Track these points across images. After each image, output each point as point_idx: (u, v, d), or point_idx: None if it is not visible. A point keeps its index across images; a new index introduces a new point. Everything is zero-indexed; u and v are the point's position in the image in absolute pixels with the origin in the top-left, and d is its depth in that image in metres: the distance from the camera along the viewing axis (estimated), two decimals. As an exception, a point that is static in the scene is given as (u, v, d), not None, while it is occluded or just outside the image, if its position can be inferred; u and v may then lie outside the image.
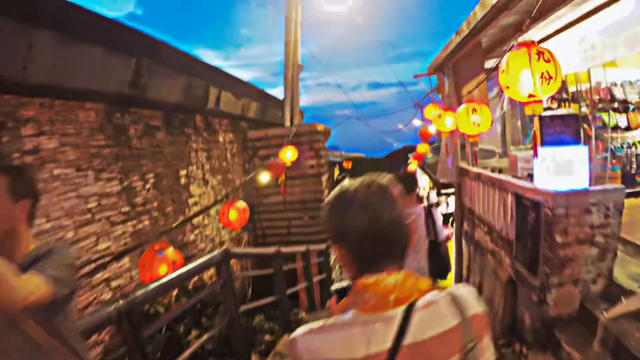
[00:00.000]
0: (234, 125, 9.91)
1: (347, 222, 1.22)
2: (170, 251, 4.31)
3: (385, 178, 1.32)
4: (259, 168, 9.44)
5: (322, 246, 9.13)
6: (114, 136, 5.72)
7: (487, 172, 6.23)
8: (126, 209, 5.88)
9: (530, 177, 5.71)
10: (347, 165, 18.13)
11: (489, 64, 6.25)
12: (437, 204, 16.21)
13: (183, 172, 7.57)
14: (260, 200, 10.41)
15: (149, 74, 6.15)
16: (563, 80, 6.74)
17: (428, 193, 18.49)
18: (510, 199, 4.88)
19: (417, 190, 5.79)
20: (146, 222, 6.34)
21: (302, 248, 8.12)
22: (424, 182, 20.22)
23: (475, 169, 6.85)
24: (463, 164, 7.69)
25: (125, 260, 5.66)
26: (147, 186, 6.46)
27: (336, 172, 17.09)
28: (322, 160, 10.05)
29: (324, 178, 10.16)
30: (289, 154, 8.50)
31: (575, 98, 7.04)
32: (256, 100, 10.37)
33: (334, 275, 10.56)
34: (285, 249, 6.94)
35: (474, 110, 4.62)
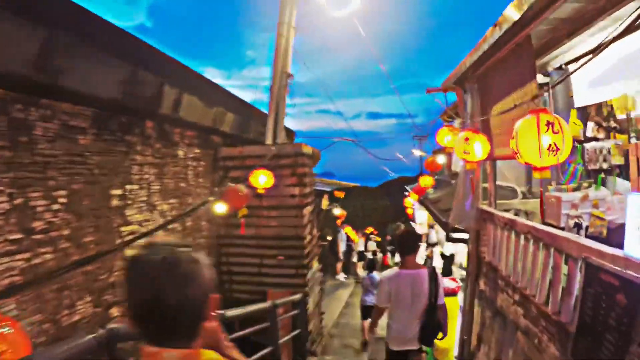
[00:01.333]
0: (203, 140, 8.09)
1: (131, 291, 1.20)
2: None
3: (190, 250, 1.27)
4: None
5: (298, 295, 7.25)
6: (8, 135, 3.99)
7: (528, 222, 4.45)
8: (16, 236, 4.09)
9: (577, 228, 4.73)
10: (339, 194, 16.28)
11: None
12: (437, 244, 14.65)
13: (116, 192, 5.68)
14: (228, 231, 8.53)
15: (68, 53, 4.39)
16: (610, 104, 5.44)
17: (428, 232, 16.91)
18: (573, 267, 3.43)
19: (419, 249, 4.75)
20: (48, 256, 4.50)
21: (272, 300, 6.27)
22: (421, 217, 18.44)
23: (505, 215, 5.06)
24: (484, 206, 5.91)
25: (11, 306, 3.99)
26: (55, 207, 4.60)
27: (325, 202, 15.26)
28: (307, 188, 8.20)
29: (307, 210, 8.29)
30: (262, 179, 6.73)
31: (623, 127, 5.40)
32: (234, 111, 8.57)
33: (311, 327, 8.64)
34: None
35: (550, 125, 2.89)
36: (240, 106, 8.98)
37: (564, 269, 3.64)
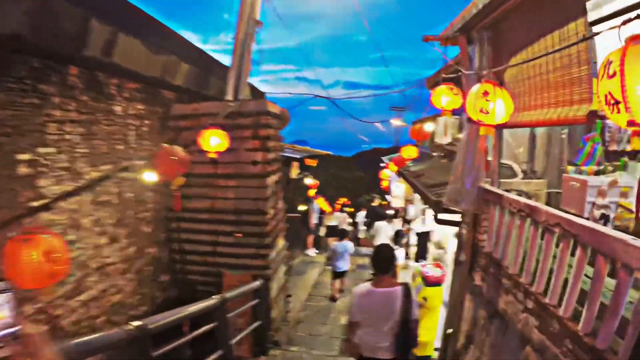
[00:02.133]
0: (150, 94, 6.70)
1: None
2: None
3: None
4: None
5: (257, 282, 6.10)
6: None
7: (556, 211, 3.37)
8: None
9: (604, 220, 3.95)
10: (311, 162, 14.82)
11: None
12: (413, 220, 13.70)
13: (25, 157, 4.41)
14: (181, 204, 7.25)
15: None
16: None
17: (405, 207, 15.92)
18: (626, 280, 2.44)
19: (394, 269, 4.88)
20: None
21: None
22: (397, 190, 17.44)
23: (521, 199, 3.98)
24: (488, 186, 4.82)
25: None
26: None
27: (295, 171, 13.84)
28: (271, 154, 6.95)
29: (271, 180, 7.07)
30: (214, 141, 5.50)
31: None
32: (191, 62, 7.15)
33: (275, 314, 7.56)
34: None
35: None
36: (199, 57, 7.56)
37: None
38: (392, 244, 9.82)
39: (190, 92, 7.48)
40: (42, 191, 4.66)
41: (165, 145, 3.82)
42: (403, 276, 10.16)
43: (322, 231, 15.65)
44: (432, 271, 7.43)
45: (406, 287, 3.97)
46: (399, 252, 8.82)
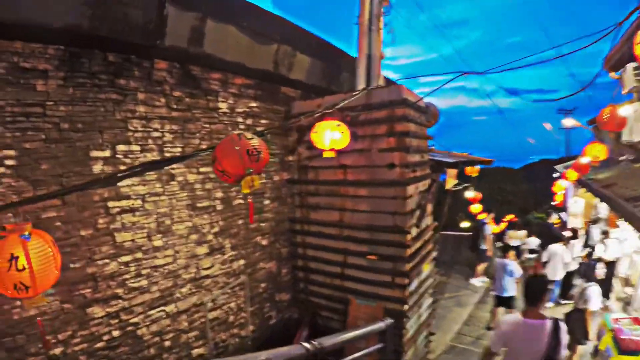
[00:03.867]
0: (267, 91, 5.78)
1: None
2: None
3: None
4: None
5: (382, 323, 4.48)
6: None
7: None
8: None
9: None
10: (472, 171, 12.11)
11: None
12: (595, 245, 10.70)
13: (100, 154, 3.87)
14: (304, 214, 6.17)
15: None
16: None
17: (586, 228, 12.75)
18: None
19: (546, 300, 3.95)
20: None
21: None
22: (576, 207, 14.37)
23: None
24: None
25: None
26: (1, 171, 3.26)
27: (451, 180, 11.47)
28: (412, 156, 5.37)
29: (414, 189, 5.49)
30: (329, 136, 4.21)
31: None
32: (310, 53, 6.08)
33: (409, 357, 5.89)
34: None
35: None
36: (321, 48, 6.40)
37: None
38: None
39: (316, 88, 6.38)
40: (122, 191, 4.07)
41: (234, 133, 2.68)
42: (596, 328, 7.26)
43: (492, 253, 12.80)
44: (629, 330, 5.14)
45: (555, 323, 3.60)
46: (593, 291, 6.34)
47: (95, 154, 3.81)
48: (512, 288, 8.04)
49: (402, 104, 5.11)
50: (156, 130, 4.33)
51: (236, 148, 2.70)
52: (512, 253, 8.33)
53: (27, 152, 3.39)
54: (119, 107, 3.99)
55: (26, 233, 2.16)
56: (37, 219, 3.42)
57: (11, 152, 3.30)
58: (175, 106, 4.52)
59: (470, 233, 12.96)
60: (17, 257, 2.08)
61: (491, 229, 12.24)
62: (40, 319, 3.36)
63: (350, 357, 3.84)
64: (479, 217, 12.98)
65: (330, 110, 4.34)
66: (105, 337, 3.96)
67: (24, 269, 2.09)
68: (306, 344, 2.55)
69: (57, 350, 3.61)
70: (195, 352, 4.91)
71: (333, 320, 5.97)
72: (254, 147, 2.76)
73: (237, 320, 5.48)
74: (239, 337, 5.49)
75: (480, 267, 11.58)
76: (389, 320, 4.31)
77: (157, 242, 4.41)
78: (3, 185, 3.26)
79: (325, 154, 4.32)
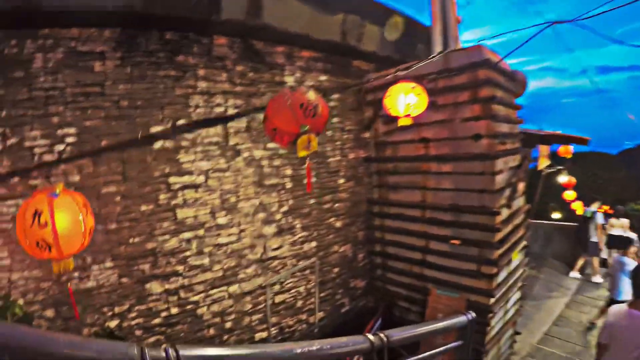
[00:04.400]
0: (337, 64, 5.36)
1: None
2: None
3: None
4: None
5: (462, 317, 3.76)
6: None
7: None
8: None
9: None
10: (566, 151, 10.68)
11: None
12: None
13: (161, 129, 3.80)
14: (383, 195, 5.68)
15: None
16: None
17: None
18: None
19: None
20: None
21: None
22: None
23: None
24: None
25: None
26: (60, 148, 3.34)
27: (543, 160, 10.13)
28: (500, 125, 4.68)
29: (504, 163, 4.75)
30: (404, 100, 3.71)
31: None
32: (381, 23, 5.57)
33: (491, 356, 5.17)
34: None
35: None
36: (389, 16, 5.82)
37: None
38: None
39: (390, 61, 5.83)
40: (184, 167, 3.93)
41: (285, 89, 2.29)
42: None
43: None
44: None
45: None
46: None
47: (155, 129, 3.72)
48: (629, 291, 6.92)
49: (484, 65, 4.44)
50: (219, 105, 4.15)
51: (289, 102, 2.30)
52: (633, 250, 7.17)
53: (88, 130, 3.41)
54: (179, 84, 3.88)
55: (56, 191, 2.03)
56: (97, 193, 3.43)
57: (72, 130, 3.34)
58: (238, 81, 4.29)
59: (565, 223, 11.64)
60: (40, 212, 1.96)
61: (602, 218, 10.82)
62: (70, 286, 3.24)
63: (425, 354, 3.30)
64: (592, 206, 11.52)
65: (405, 73, 3.83)
66: (163, 314, 3.86)
67: (47, 225, 1.96)
68: (370, 336, 2.21)
69: (113, 323, 3.57)
70: (258, 335, 4.68)
71: (410, 312, 5.45)
72: (309, 102, 2.34)
73: (306, 305, 5.14)
74: (306, 324, 5.16)
75: (581, 262, 10.30)
76: (472, 315, 3.70)
77: (221, 220, 4.21)
78: (65, 162, 3.30)
79: (401, 122, 3.82)
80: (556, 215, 12.90)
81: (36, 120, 3.23)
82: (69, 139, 3.33)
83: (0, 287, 3.10)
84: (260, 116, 4.35)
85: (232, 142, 4.23)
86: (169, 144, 3.80)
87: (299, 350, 1.92)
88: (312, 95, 2.38)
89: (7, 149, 3.12)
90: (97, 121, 3.44)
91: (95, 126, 3.44)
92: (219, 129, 4.13)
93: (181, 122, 3.85)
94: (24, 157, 3.16)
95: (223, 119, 3.79)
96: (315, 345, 2.06)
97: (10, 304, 2.76)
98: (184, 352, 1.59)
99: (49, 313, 3.28)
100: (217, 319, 4.27)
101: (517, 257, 5.42)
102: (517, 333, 5.93)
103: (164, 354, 1.52)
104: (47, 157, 3.24)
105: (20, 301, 3.10)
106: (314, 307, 5.22)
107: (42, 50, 3.25)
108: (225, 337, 4.37)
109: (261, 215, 4.55)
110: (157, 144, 3.73)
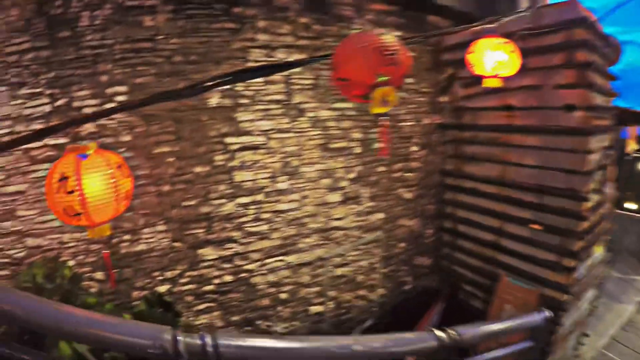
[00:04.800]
0: (410, 19, 4.82)
1: None
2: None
3: None
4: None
5: (540, 314, 3.23)
6: (45, 36, 3.12)
7: None
8: (58, 141, 3.13)
9: None
10: None
11: None
12: None
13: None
14: (457, 166, 5.18)
15: None
16: None
17: None
18: None
19: None
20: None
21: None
22: None
23: None
24: None
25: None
26: (109, 107, 3.12)
27: (632, 144, 8.91)
28: (595, 96, 4.00)
29: (596, 141, 4.06)
30: (491, 57, 3.22)
31: None
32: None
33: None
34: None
35: None
36: None
37: None
38: None
39: (469, 17, 5.21)
40: (242, 126, 3.70)
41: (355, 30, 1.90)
42: None
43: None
44: None
45: None
46: None
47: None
48: None
49: (580, 24, 3.77)
50: (282, 59, 3.84)
51: (361, 47, 1.91)
52: None
53: (138, 87, 3.30)
54: (236, 37, 3.62)
55: (88, 152, 1.76)
56: (149, 154, 3.33)
57: (122, 88, 3.25)
58: (302, 34, 3.95)
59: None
60: (66, 178, 1.68)
61: None
62: (106, 252, 3.12)
63: (491, 354, 2.89)
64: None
65: (490, 26, 3.30)
66: (216, 281, 3.75)
67: (73, 191, 1.68)
68: (440, 333, 1.87)
69: (163, 288, 3.49)
70: (314, 309, 4.47)
71: (475, 298, 5.01)
72: (388, 46, 1.93)
73: (367, 281, 4.84)
74: (365, 300, 4.87)
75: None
76: (548, 313, 3.21)
77: (282, 185, 3.98)
78: (115, 121, 3.23)
79: (487, 82, 3.29)
80: (632, 205, 11.81)
81: (84, 79, 3.16)
82: (119, 98, 3.23)
83: (51, 248, 3.08)
84: (325, 73, 4.06)
85: (295, 100, 3.94)
86: (226, 101, 3.58)
87: (358, 348, 1.61)
88: (391, 38, 1.97)
89: (55, 110, 3.09)
90: (148, 78, 3.32)
91: (146, 83, 3.31)
92: (280, 85, 3.85)
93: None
94: (72, 117, 3.09)
95: (283, 68, 3.50)
96: (376, 342, 1.73)
97: (59, 266, 2.69)
98: (224, 341, 1.34)
99: (99, 275, 3.24)
100: (273, 289, 4.10)
101: (599, 251, 4.81)
102: (585, 335, 5.35)
103: (199, 342, 1.32)
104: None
105: (71, 262, 3.04)
106: (376, 283, 4.91)
107: (89, 8, 3.15)
108: (279, 308, 4.21)
109: (325, 181, 4.27)
110: (213, 101, 3.52)
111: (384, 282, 5.01)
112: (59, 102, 3.10)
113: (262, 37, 3.72)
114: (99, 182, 1.73)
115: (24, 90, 3.07)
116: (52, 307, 1.25)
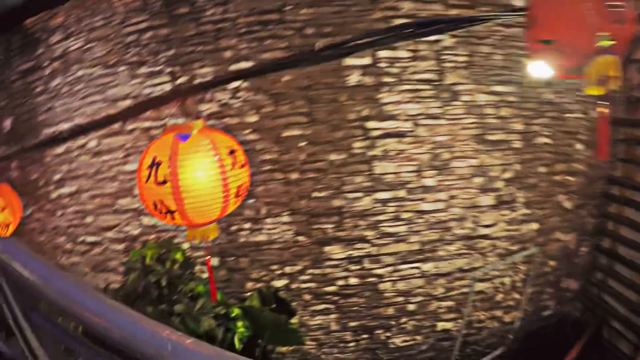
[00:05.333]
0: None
1: None
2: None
3: None
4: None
5: None
6: (163, 14, 3.20)
7: None
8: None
9: None
10: None
11: None
12: None
13: (355, 62, 3.32)
14: (627, 172, 4.18)
15: None
16: None
17: None
18: None
19: None
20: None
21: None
22: None
23: None
24: None
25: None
26: (234, 85, 3.24)
27: None
28: None
29: None
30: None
31: None
32: None
33: None
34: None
35: None
36: None
37: None
38: None
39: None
40: (386, 109, 3.33)
41: None
42: None
43: None
44: None
45: None
46: None
47: (349, 61, 3.22)
48: None
49: None
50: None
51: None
52: None
53: (264, 63, 3.26)
54: (376, 5, 3.35)
55: (189, 132, 1.37)
56: (277, 137, 3.23)
57: (247, 64, 3.20)
58: (454, 1, 3.45)
59: None
60: (158, 164, 1.31)
61: None
62: (208, 257, 2.76)
63: None
64: None
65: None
66: (340, 282, 3.52)
67: (165, 181, 1.30)
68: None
69: (280, 283, 3.39)
70: (441, 325, 3.98)
71: (624, 340, 4.05)
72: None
73: (505, 300, 4.19)
74: (499, 322, 4.24)
75: None
76: None
77: (428, 181, 3.54)
78: (240, 100, 3.17)
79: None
80: None
81: (206, 56, 3.18)
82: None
83: (165, 229, 3.04)
84: (484, 49, 3.48)
85: (448, 80, 3.43)
86: (367, 79, 3.24)
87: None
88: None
89: (176, 89, 3.13)
90: (276, 52, 3.23)
91: (275, 58, 3.25)
92: (431, 62, 3.39)
93: (383, 53, 3.24)
94: (194, 96, 3.12)
95: (458, 23, 2.91)
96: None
97: (173, 248, 2.56)
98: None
99: (214, 261, 3.18)
100: (400, 299, 3.71)
101: None
102: None
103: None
104: (219, 95, 3.17)
105: (185, 245, 2.94)
106: (516, 304, 4.21)
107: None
108: (404, 319, 3.79)
109: (478, 180, 3.71)
110: (353, 79, 3.20)
111: (524, 304, 4.28)
112: (180, 80, 3.11)
113: (407, 6, 3.39)
114: (201, 171, 1.34)
115: (144, 69, 3.15)
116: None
